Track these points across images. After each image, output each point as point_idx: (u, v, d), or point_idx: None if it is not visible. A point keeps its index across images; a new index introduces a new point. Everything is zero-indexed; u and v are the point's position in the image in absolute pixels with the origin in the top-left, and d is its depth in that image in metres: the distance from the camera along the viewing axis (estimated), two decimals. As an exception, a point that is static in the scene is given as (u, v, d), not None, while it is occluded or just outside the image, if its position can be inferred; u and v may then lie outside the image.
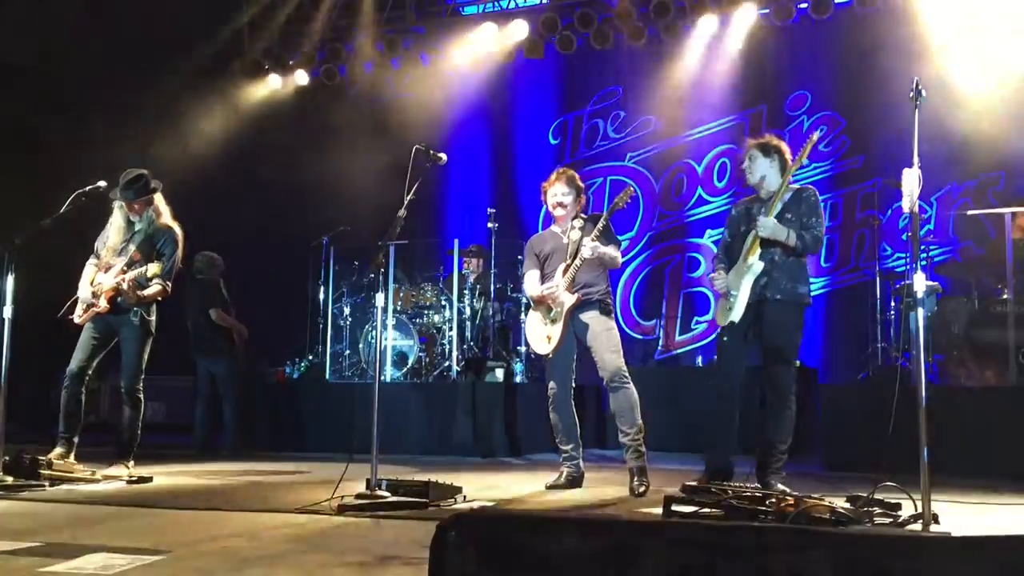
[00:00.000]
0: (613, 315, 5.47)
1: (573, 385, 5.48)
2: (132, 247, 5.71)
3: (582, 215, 5.56)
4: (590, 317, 5.32)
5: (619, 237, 5.75)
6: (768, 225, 4.77)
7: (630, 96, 10.70)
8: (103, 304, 5.62)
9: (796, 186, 5.07)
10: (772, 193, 4.95)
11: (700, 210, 10.32)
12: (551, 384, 5.44)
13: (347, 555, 3.32)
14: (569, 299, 5.29)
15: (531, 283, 5.54)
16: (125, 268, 5.60)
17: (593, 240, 5.17)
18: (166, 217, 5.86)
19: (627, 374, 5.25)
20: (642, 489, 5.03)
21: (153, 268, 5.55)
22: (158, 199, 5.86)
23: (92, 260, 5.85)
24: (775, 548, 1.83)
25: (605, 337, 5.28)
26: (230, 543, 3.59)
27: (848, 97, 9.69)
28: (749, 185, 5.14)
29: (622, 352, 5.33)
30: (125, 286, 5.54)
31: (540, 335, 5.45)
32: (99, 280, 5.68)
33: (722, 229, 5.57)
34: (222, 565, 3.15)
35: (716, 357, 5.10)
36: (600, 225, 5.24)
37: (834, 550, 1.79)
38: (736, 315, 4.83)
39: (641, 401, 5.29)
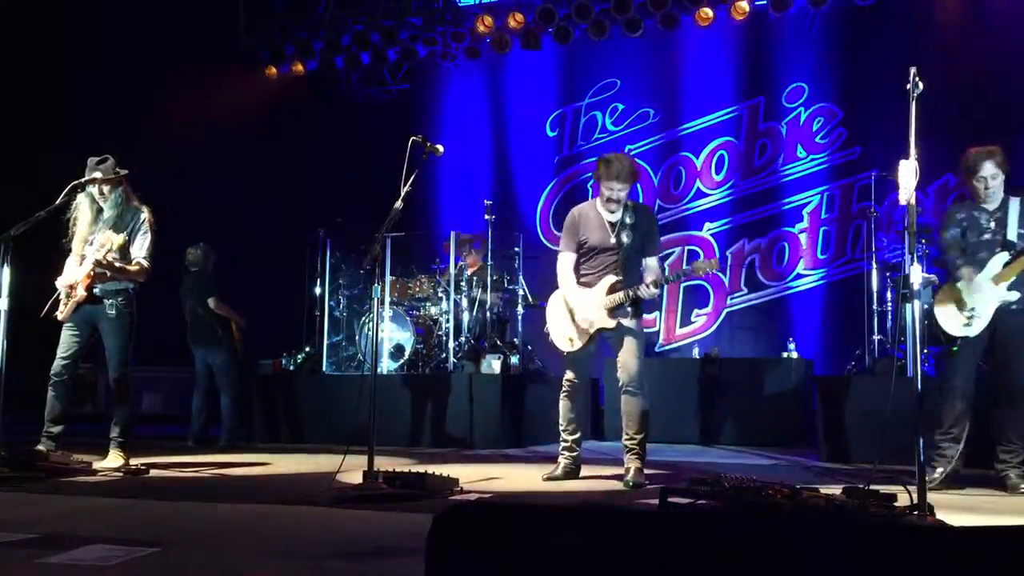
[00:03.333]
0: (642, 314, 5.35)
1: (589, 381, 5.45)
2: (102, 233, 5.65)
3: (630, 203, 5.28)
4: (621, 317, 5.20)
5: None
6: None
7: (628, 88, 10.68)
8: (81, 292, 5.59)
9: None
10: (998, 205, 5.07)
11: (699, 203, 10.31)
12: (568, 375, 5.38)
13: (343, 547, 3.33)
14: (608, 324, 5.16)
15: (568, 277, 5.30)
16: (98, 251, 5.55)
17: (656, 288, 5.11)
18: (134, 200, 5.81)
19: (644, 382, 5.18)
20: (638, 481, 5.04)
21: (117, 240, 5.51)
22: (126, 184, 5.81)
23: (70, 257, 5.80)
24: (771, 540, 1.83)
25: (631, 343, 5.18)
26: (226, 534, 3.59)
27: (845, 89, 9.68)
28: (983, 201, 5.11)
29: (643, 358, 5.26)
30: (103, 260, 5.47)
31: (564, 333, 5.35)
32: (75, 273, 5.64)
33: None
34: (218, 557, 3.15)
35: (954, 361, 5.07)
36: (664, 279, 5.23)
37: (830, 541, 1.79)
38: (975, 332, 4.90)
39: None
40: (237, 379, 8.13)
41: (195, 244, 8.29)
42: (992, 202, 5.07)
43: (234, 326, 8.18)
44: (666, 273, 5.25)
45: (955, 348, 5.03)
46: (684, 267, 5.32)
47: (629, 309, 5.20)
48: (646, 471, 5.18)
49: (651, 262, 5.28)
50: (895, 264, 8.19)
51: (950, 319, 5.02)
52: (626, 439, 5.20)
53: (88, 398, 10.29)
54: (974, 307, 4.91)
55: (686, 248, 10.25)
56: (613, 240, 5.20)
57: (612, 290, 5.15)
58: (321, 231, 9.23)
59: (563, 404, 5.41)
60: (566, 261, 5.34)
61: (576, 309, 5.24)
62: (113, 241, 5.50)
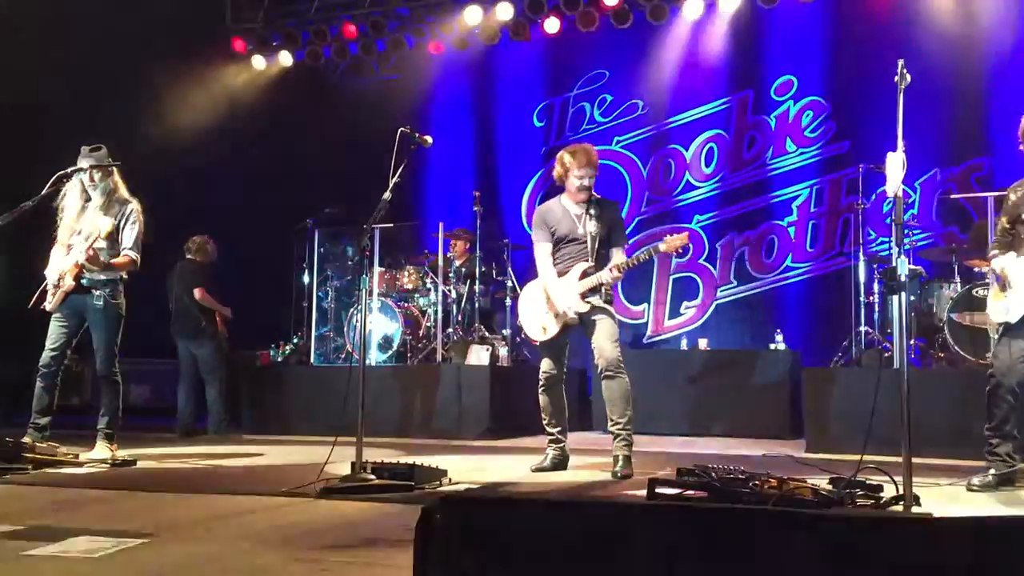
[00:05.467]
0: (613, 303, 5.41)
1: (566, 369, 5.47)
2: (90, 223, 5.61)
3: (595, 196, 5.38)
4: (592, 305, 5.25)
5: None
6: None
7: (617, 79, 10.67)
8: (69, 281, 5.54)
9: None
10: None
11: (688, 196, 10.32)
12: (544, 367, 5.41)
13: (332, 538, 3.33)
14: (582, 308, 5.21)
15: (544, 263, 5.36)
16: (87, 240, 5.51)
17: (620, 272, 5.18)
18: (123, 191, 5.77)
19: (622, 364, 5.21)
20: (625, 472, 5.05)
21: (106, 226, 5.47)
22: (116, 175, 5.78)
23: (57, 247, 5.76)
24: (758, 530, 1.84)
25: (605, 326, 5.23)
26: (214, 526, 3.59)
27: (834, 82, 9.70)
28: None
29: (619, 342, 5.30)
30: (91, 252, 5.43)
31: (537, 322, 5.39)
32: (63, 263, 5.60)
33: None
34: (206, 548, 3.15)
35: (994, 350, 4.69)
36: (627, 262, 5.23)
37: (816, 532, 1.80)
38: (1015, 316, 4.54)
39: (632, 386, 5.29)
40: (222, 370, 8.10)
41: (197, 235, 8.30)
42: None
43: (218, 318, 8.15)
44: (636, 253, 5.25)
45: (994, 336, 4.73)
46: (654, 245, 5.32)
47: (601, 292, 5.25)
48: (634, 460, 5.20)
49: (617, 252, 5.32)
50: (883, 256, 8.24)
51: (993, 304, 4.72)
52: (611, 425, 5.21)
53: (75, 390, 10.24)
54: (1014, 289, 4.56)
55: (675, 240, 10.26)
56: (581, 230, 5.30)
57: (584, 276, 5.23)
58: (309, 222, 9.21)
59: (542, 399, 5.44)
60: (544, 250, 5.41)
61: (554, 296, 5.29)
62: (101, 228, 5.45)
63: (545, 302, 5.37)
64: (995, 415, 4.62)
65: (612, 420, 5.21)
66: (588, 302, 5.22)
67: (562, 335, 5.36)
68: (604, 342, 5.21)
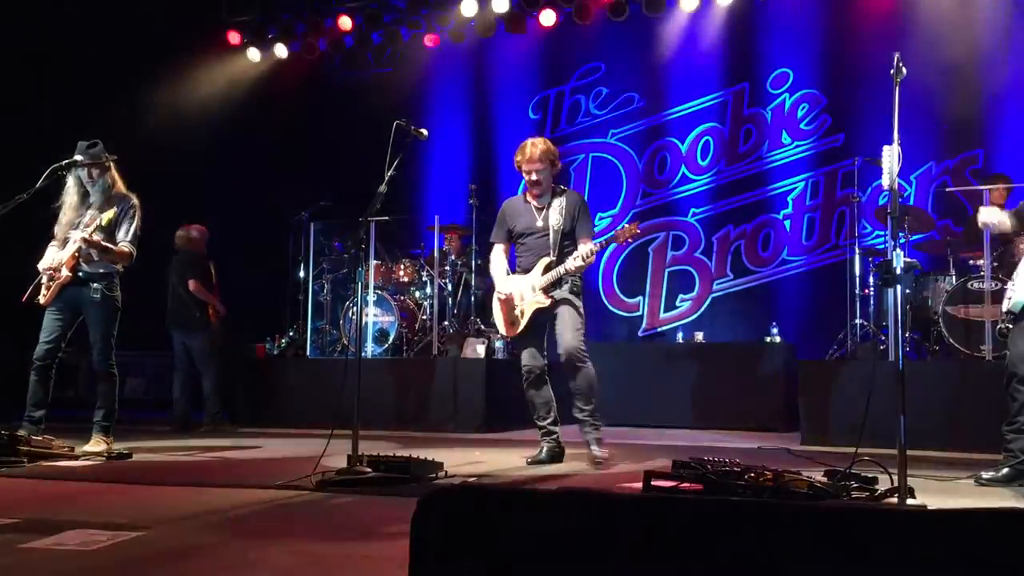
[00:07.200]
0: (581, 295, 5.41)
1: (546, 361, 5.47)
2: (88, 216, 5.60)
3: (560, 189, 5.45)
4: (555, 293, 5.29)
5: (601, 215, 5.73)
6: None
7: (613, 72, 10.65)
8: (65, 273, 5.53)
9: None
10: None
11: (684, 188, 10.31)
12: (524, 362, 5.44)
13: (328, 531, 3.33)
14: (544, 302, 5.25)
15: (497, 265, 5.49)
16: (84, 230, 5.49)
17: (583, 262, 5.16)
18: (121, 186, 5.76)
19: (586, 353, 5.25)
20: (603, 453, 5.11)
21: (107, 214, 5.46)
22: (113, 170, 5.77)
23: (52, 243, 5.75)
24: (753, 523, 1.84)
25: (567, 316, 5.25)
26: (210, 519, 3.59)
27: (830, 75, 9.69)
28: None
29: (583, 332, 5.31)
30: (89, 238, 5.40)
31: (507, 318, 5.45)
32: (58, 256, 5.58)
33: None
34: (202, 541, 3.15)
35: (1008, 342, 4.60)
36: (589, 249, 5.18)
37: (811, 524, 1.81)
38: (1016, 306, 4.50)
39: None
40: (217, 362, 8.09)
41: (189, 225, 8.29)
42: None
43: (211, 310, 8.14)
44: (590, 244, 5.27)
45: (1000, 326, 4.64)
46: (607, 236, 5.35)
47: (567, 286, 5.27)
48: (630, 453, 5.21)
49: (586, 243, 5.30)
50: (878, 249, 8.25)
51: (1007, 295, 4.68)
52: (578, 412, 5.29)
53: (71, 383, 10.22)
54: (1015, 279, 4.57)
55: (671, 233, 10.27)
56: (540, 223, 5.34)
57: (547, 270, 5.26)
58: (304, 214, 9.19)
59: (528, 394, 5.48)
60: (495, 252, 5.52)
61: (513, 292, 5.34)
62: (101, 217, 5.45)
63: (508, 299, 5.41)
64: (1011, 408, 4.53)
65: (578, 407, 5.28)
66: (551, 296, 5.25)
67: (533, 328, 5.37)
68: (565, 332, 5.23)
